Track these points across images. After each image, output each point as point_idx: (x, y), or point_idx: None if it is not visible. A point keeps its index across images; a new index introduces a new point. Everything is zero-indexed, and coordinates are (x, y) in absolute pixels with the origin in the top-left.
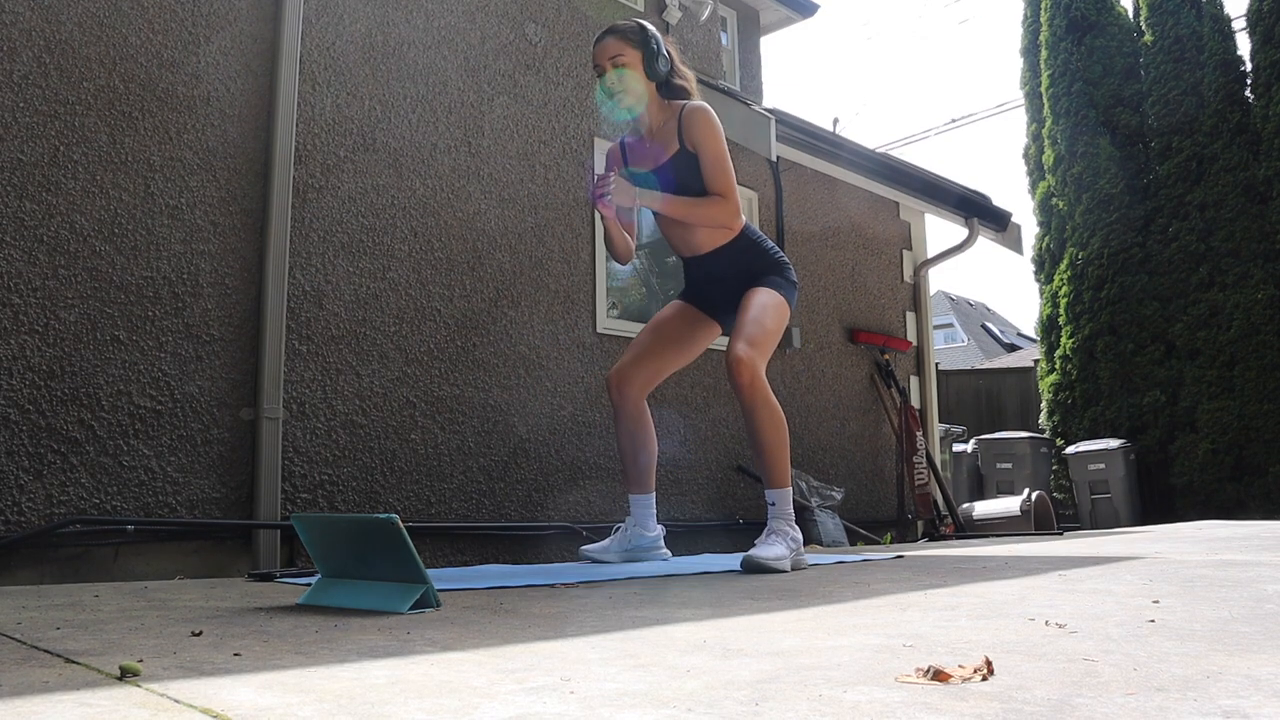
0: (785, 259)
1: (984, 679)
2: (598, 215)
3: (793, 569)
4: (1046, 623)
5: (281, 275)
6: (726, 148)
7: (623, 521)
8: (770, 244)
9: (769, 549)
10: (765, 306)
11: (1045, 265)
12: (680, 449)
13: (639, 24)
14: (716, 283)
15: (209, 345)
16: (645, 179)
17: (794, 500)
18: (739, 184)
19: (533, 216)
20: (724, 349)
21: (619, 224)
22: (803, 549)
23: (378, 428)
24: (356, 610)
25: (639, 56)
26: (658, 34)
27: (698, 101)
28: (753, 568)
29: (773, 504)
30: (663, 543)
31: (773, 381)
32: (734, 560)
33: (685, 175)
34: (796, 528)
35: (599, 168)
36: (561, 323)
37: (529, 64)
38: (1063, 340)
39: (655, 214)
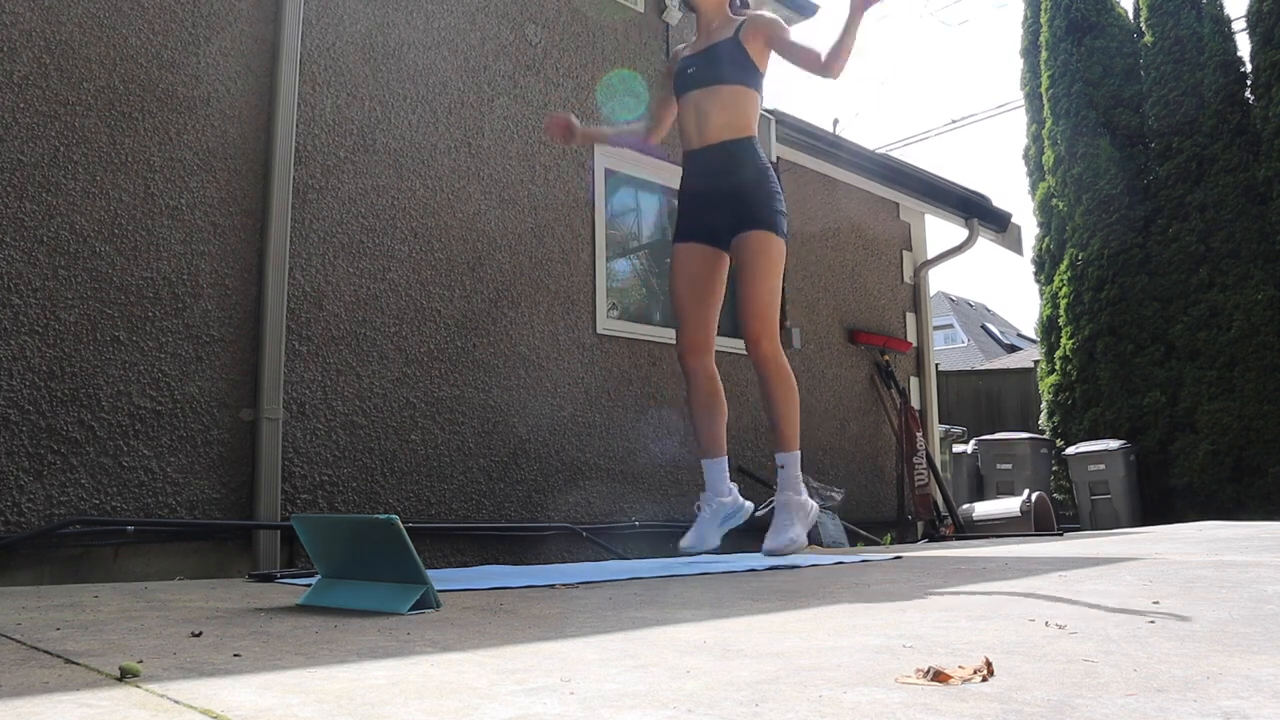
0: (778, 186)
1: (984, 680)
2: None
3: (810, 539)
4: (1046, 623)
5: (281, 276)
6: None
7: (629, 521)
8: (769, 166)
9: (780, 535)
10: (766, 267)
11: (1045, 266)
12: (680, 449)
13: None
14: (712, 190)
15: (209, 346)
16: (695, 61)
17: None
18: None
19: (533, 217)
20: (731, 352)
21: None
22: (814, 508)
23: (378, 428)
24: (356, 611)
25: None
26: None
27: (764, 12)
28: (772, 555)
29: (782, 467)
30: (740, 497)
31: None
32: (735, 561)
33: (722, 56)
34: (805, 491)
35: (599, 168)
36: (561, 323)
37: (529, 65)
38: (1063, 341)
39: (681, 96)
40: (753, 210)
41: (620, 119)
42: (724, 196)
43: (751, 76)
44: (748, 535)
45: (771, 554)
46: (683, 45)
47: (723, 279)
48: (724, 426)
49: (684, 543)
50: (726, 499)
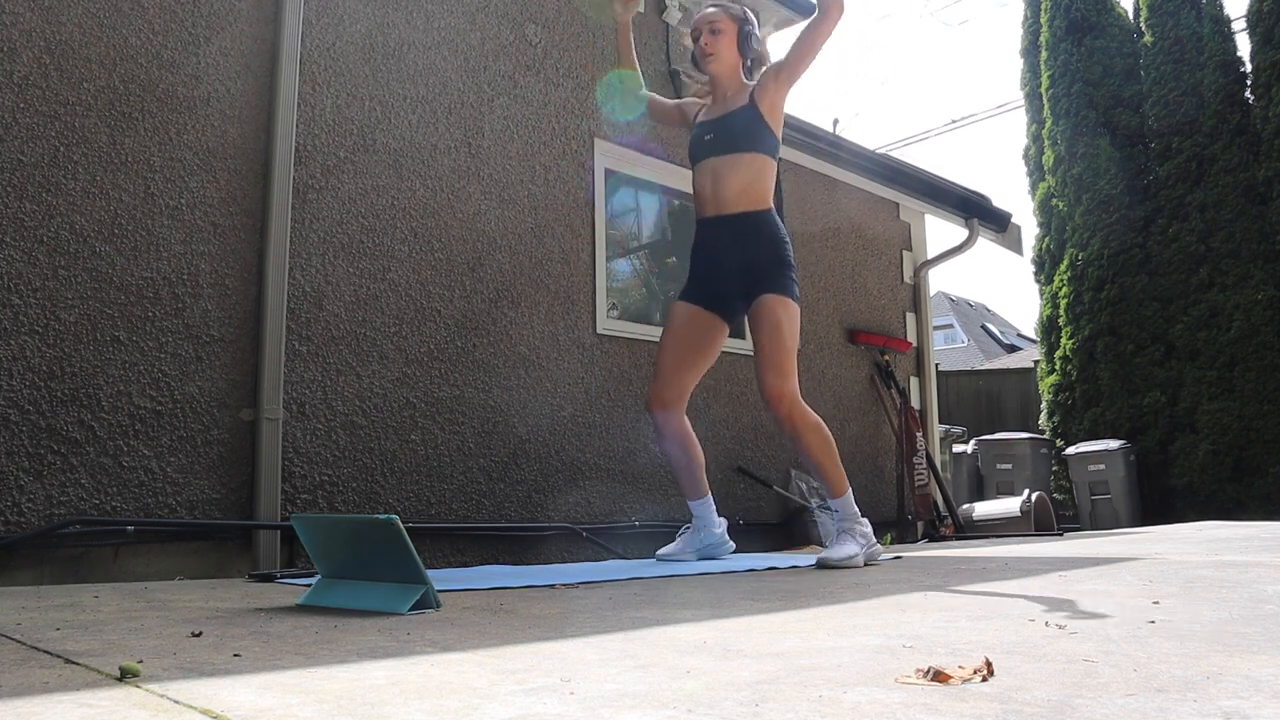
0: (792, 257)
1: (984, 680)
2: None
3: (866, 563)
4: (1046, 623)
5: (281, 276)
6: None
7: (629, 521)
8: (785, 239)
9: (840, 549)
10: (779, 322)
11: (1045, 266)
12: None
13: (741, 7)
14: (724, 260)
15: (209, 346)
16: (712, 128)
17: (794, 500)
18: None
19: (533, 217)
20: (732, 352)
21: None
22: (876, 543)
23: (378, 428)
24: (356, 611)
25: (735, 29)
26: (753, 17)
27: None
28: (825, 567)
29: (836, 511)
30: (726, 536)
31: None
32: (735, 561)
33: (740, 125)
34: (865, 522)
35: (599, 168)
36: (561, 323)
37: (529, 65)
38: (1063, 341)
39: (696, 163)
40: (767, 279)
41: (620, 119)
42: (738, 266)
43: (768, 144)
44: (749, 535)
45: (824, 562)
46: (695, 101)
47: (714, 349)
48: (702, 469)
49: (662, 551)
50: (716, 531)
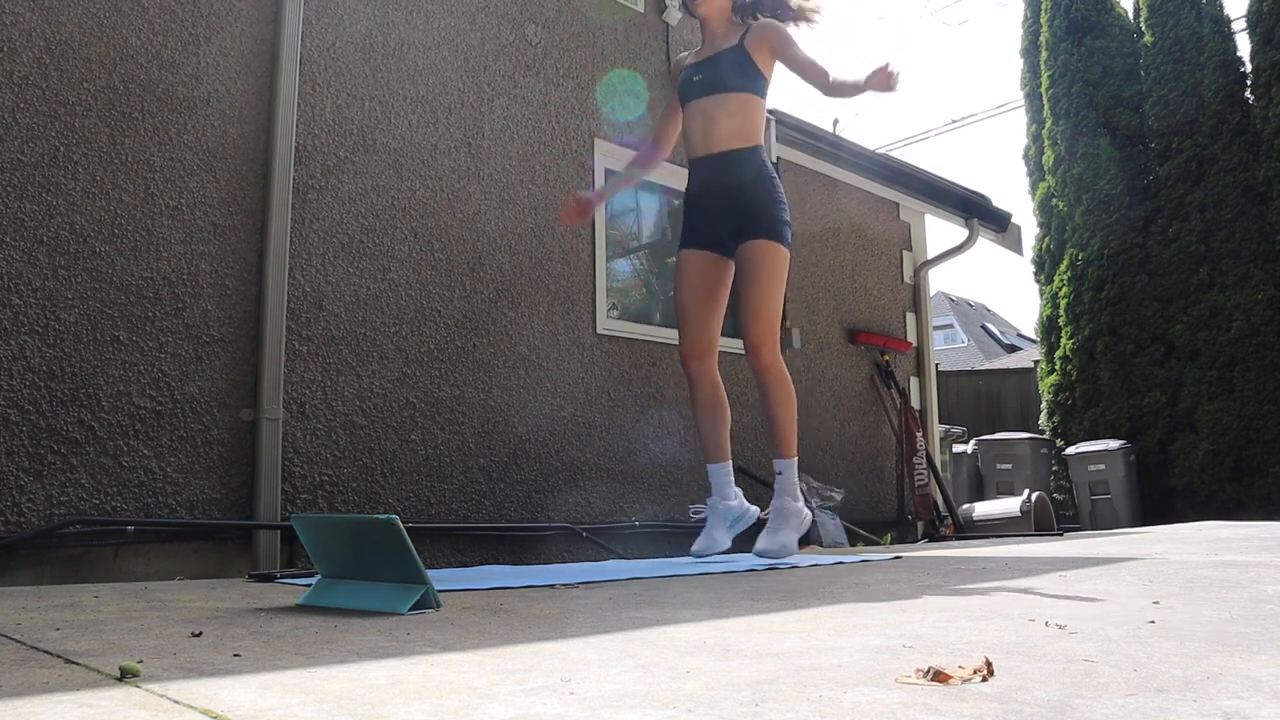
0: (783, 195)
1: (984, 680)
2: (594, 217)
3: (801, 544)
4: (1046, 623)
5: (281, 276)
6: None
7: (630, 521)
8: (775, 175)
9: (773, 539)
10: (770, 270)
11: (1045, 266)
12: (680, 449)
13: None
14: (718, 198)
15: (209, 346)
16: (701, 69)
17: None
18: None
19: (533, 217)
20: (731, 352)
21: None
22: (810, 519)
23: (378, 428)
24: (356, 611)
25: None
26: None
27: (768, 19)
28: (764, 556)
29: (780, 473)
30: (745, 501)
31: None
32: (735, 561)
33: (728, 65)
34: (801, 498)
35: (599, 168)
36: (561, 323)
37: (529, 65)
38: (1063, 341)
39: (686, 104)
40: (757, 219)
41: (620, 119)
42: (730, 205)
43: (757, 84)
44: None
45: (763, 555)
46: (685, 53)
47: (727, 285)
48: (727, 431)
49: (696, 547)
50: (733, 503)
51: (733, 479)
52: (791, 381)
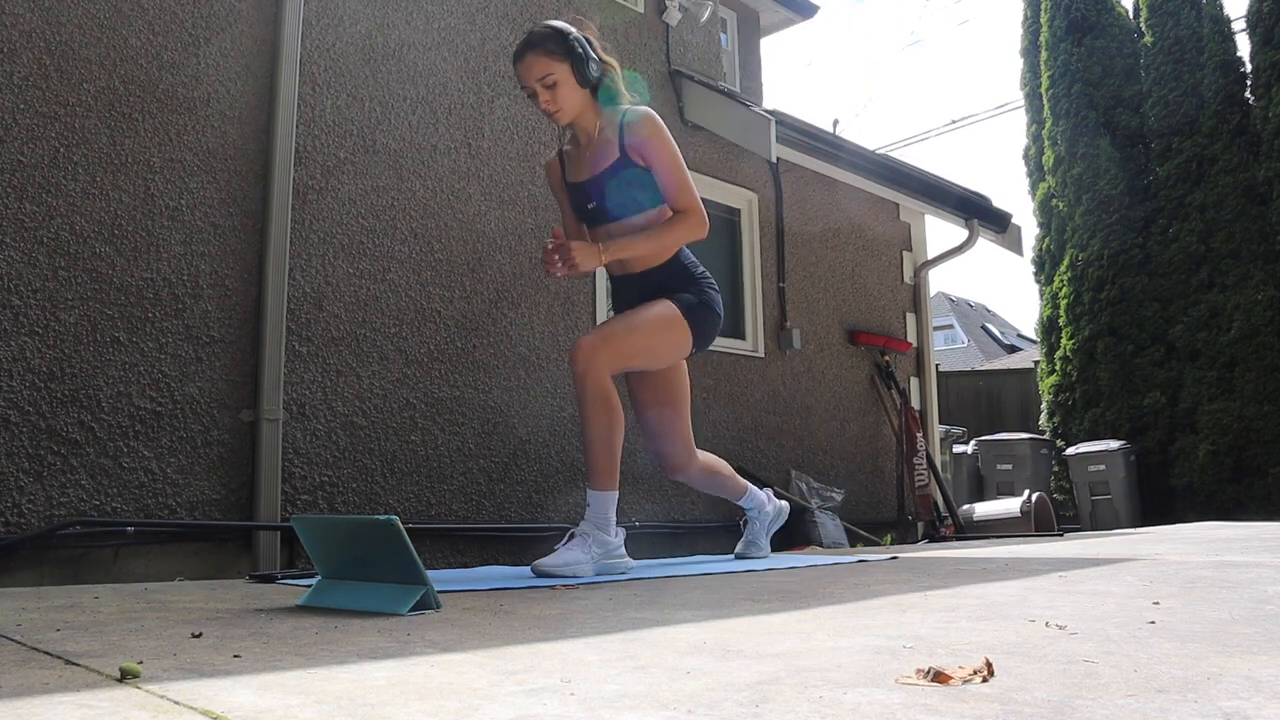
0: (711, 286)
1: (984, 680)
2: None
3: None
4: (1047, 624)
5: (281, 277)
6: (678, 151)
7: (630, 521)
8: (701, 271)
9: (558, 555)
10: (651, 318)
11: (1045, 266)
12: None
13: (556, 29)
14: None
15: (209, 347)
16: (593, 193)
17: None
18: (739, 185)
19: (533, 218)
20: (731, 352)
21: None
22: (618, 555)
23: (378, 429)
24: (357, 612)
25: (567, 68)
26: (576, 32)
27: (640, 108)
28: (539, 574)
29: (588, 504)
30: (777, 500)
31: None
32: (738, 561)
33: (622, 184)
34: (611, 532)
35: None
36: (561, 324)
37: None
38: (1063, 341)
39: (589, 229)
40: (669, 291)
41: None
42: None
43: (653, 194)
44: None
45: (537, 569)
46: (565, 144)
47: (683, 384)
48: (733, 474)
49: (740, 549)
50: (768, 509)
51: (758, 492)
52: (618, 407)
